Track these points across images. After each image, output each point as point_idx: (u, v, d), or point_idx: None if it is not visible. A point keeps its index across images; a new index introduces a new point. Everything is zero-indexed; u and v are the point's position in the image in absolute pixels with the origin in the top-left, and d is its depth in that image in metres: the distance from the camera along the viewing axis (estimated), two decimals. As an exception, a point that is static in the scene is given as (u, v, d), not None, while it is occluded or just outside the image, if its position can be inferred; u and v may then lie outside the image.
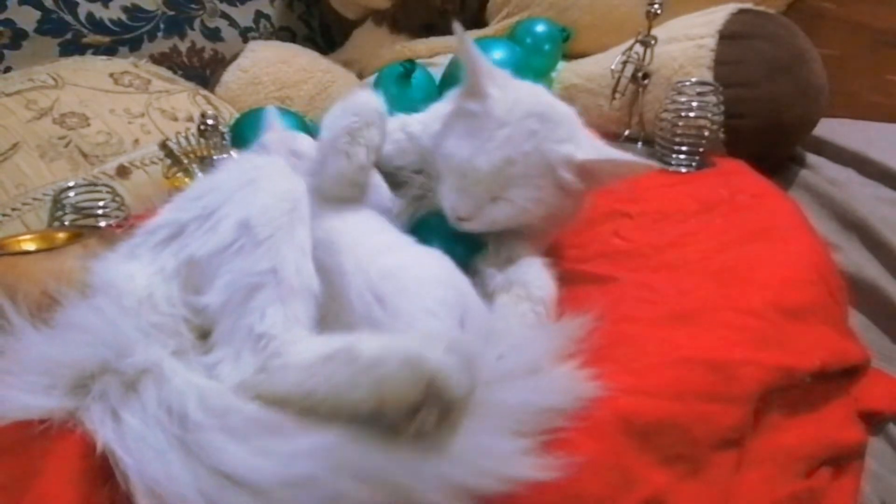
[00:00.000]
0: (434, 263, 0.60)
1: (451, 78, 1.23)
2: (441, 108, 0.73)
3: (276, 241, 0.54)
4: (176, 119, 1.18)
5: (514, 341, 0.52)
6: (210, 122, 0.89)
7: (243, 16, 1.73)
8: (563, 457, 0.44)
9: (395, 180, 0.73)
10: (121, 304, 0.54)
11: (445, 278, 0.59)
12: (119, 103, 1.14)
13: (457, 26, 0.67)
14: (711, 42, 1.03)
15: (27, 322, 0.52)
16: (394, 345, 0.44)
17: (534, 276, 0.64)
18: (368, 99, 0.68)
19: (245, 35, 1.72)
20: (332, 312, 0.56)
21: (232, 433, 0.43)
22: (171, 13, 1.58)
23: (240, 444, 0.42)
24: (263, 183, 0.58)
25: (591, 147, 0.68)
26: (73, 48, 1.44)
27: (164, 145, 0.96)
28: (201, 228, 0.56)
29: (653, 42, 1.04)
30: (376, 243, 0.61)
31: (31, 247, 0.78)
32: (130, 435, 0.44)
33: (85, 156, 1.05)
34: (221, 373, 0.50)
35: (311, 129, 1.23)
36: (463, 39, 0.66)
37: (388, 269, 0.57)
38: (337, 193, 0.65)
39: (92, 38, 1.47)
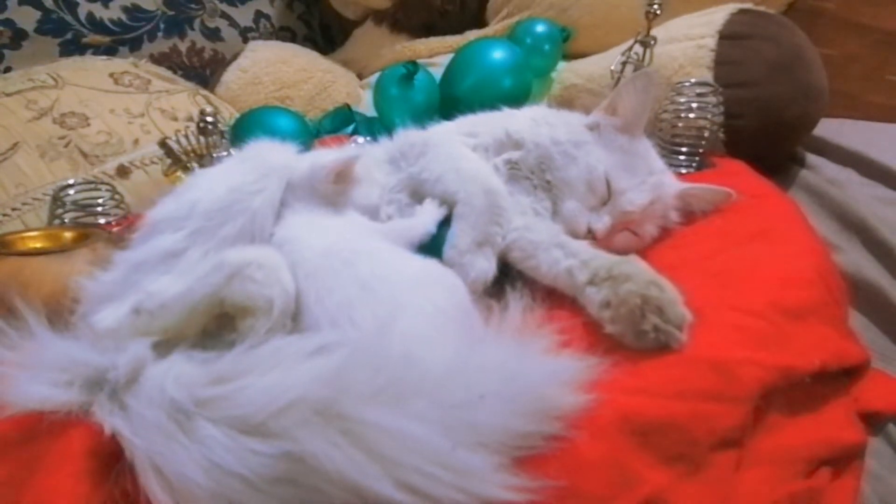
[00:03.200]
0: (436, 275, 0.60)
1: (451, 78, 1.23)
2: (550, 115, 0.80)
3: (202, 229, 0.59)
4: (176, 119, 1.18)
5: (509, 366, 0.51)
6: (209, 119, 0.89)
7: (243, 16, 1.73)
8: (537, 479, 0.43)
9: None
10: None
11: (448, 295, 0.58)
12: (119, 103, 1.15)
13: None
14: (711, 42, 1.03)
15: (41, 323, 0.54)
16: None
17: None
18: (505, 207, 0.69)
19: (245, 35, 1.73)
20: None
21: (217, 424, 0.44)
22: (171, 13, 1.58)
23: (226, 437, 0.43)
24: (225, 172, 0.66)
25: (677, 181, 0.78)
26: (73, 48, 1.44)
27: (163, 143, 0.96)
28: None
29: (652, 42, 1.04)
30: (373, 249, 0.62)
31: (37, 245, 0.78)
32: (137, 419, 0.46)
33: (85, 156, 1.05)
34: (102, 321, 0.55)
35: (311, 129, 1.23)
36: (648, 75, 0.76)
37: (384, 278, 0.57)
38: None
39: (92, 38, 1.47)
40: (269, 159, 0.68)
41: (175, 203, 0.62)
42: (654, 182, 0.74)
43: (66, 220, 0.86)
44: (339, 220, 0.67)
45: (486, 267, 0.64)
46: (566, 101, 1.21)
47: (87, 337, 0.55)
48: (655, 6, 1.01)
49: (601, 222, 0.71)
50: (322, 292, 0.55)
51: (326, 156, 0.70)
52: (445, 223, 0.70)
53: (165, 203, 0.64)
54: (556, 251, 0.64)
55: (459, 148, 0.75)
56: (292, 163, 0.69)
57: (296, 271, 0.57)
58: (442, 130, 0.81)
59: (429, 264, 0.62)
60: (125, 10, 1.51)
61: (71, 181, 0.92)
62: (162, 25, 1.57)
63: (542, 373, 0.48)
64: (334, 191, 0.68)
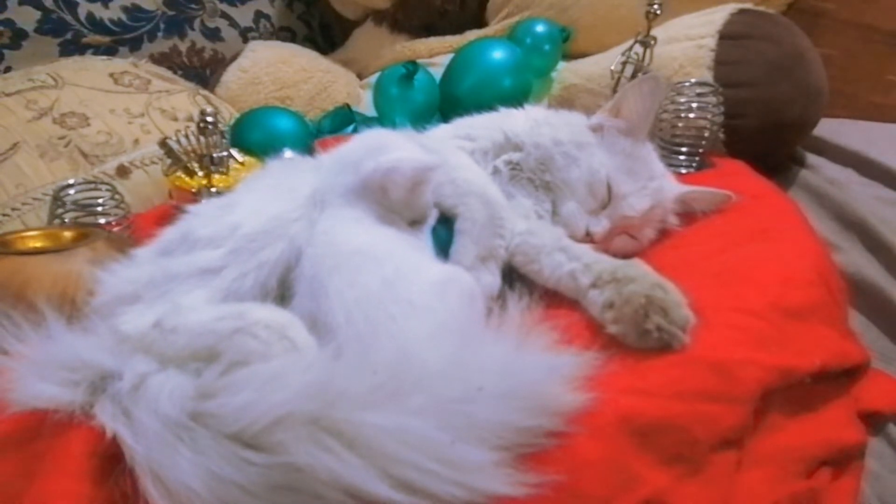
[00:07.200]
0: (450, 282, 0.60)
1: (451, 78, 1.23)
2: (551, 115, 0.80)
3: (242, 249, 0.60)
4: (176, 119, 1.18)
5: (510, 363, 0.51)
6: (209, 119, 0.89)
7: (243, 16, 1.73)
8: (537, 475, 0.44)
9: None
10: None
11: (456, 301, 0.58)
12: (119, 103, 1.14)
13: None
14: (711, 42, 1.03)
15: (53, 318, 0.55)
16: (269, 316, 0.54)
17: None
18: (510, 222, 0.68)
19: (245, 35, 1.73)
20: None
21: (213, 435, 0.45)
22: (171, 13, 1.58)
23: (223, 448, 0.44)
24: (265, 197, 0.65)
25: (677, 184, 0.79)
26: (73, 48, 1.44)
27: (163, 143, 0.96)
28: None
29: (652, 42, 1.04)
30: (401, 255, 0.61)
31: (37, 244, 0.78)
32: (138, 426, 0.46)
33: (85, 156, 1.05)
34: (125, 324, 0.54)
35: (311, 129, 1.23)
36: (654, 81, 0.75)
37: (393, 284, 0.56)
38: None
39: (92, 38, 1.47)
40: (306, 184, 0.67)
41: (216, 226, 0.62)
42: (654, 187, 0.74)
43: (66, 220, 0.86)
44: (383, 226, 0.64)
45: (491, 281, 0.65)
46: (566, 101, 1.21)
47: (97, 332, 0.55)
48: (655, 6, 1.01)
49: (599, 225, 0.72)
50: (343, 286, 0.56)
51: (403, 153, 0.66)
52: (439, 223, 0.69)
53: (205, 221, 0.64)
54: (559, 255, 0.64)
55: (455, 155, 0.74)
56: (322, 182, 0.68)
57: (324, 262, 0.58)
58: (438, 135, 0.81)
59: (450, 270, 0.62)
60: (125, 10, 1.51)
61: (71, 181, 0.92)
62: (162, 25, 1.57)
63: (541, 368, 0.48)
64: (405, 198, 0.65)
